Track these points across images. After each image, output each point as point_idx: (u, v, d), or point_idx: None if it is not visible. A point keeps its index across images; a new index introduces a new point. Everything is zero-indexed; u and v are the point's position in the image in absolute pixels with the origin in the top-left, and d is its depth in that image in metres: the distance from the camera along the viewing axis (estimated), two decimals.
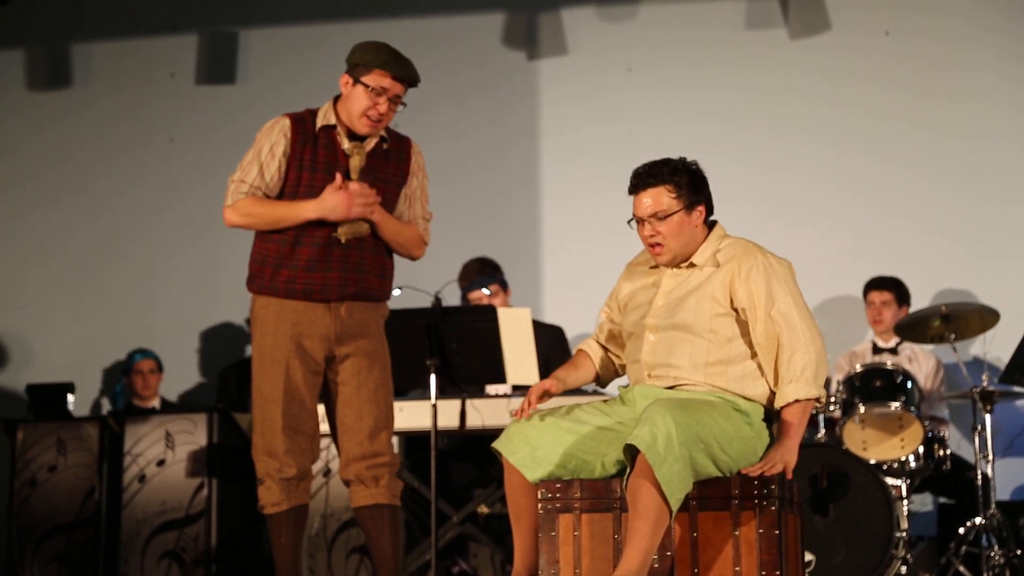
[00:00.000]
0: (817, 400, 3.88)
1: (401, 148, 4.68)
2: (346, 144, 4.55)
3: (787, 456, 3.81)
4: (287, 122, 4.54)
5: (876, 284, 6.87)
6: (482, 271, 6.71)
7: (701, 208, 4.00)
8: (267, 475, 4.58)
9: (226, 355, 7.89)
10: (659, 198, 3.96)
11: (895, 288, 6.84)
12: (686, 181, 3.97)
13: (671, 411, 3.65)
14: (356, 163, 4.54)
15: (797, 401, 3.84)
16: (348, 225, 4.52)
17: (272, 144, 4.53)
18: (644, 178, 3.99)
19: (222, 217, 4.57)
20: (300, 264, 4.52)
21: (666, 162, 4.00)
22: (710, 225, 4.05)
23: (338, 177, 4.50)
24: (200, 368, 7.98)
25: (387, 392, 4.63)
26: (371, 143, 4.59)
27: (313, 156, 4.53)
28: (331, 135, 4.56)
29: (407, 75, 4.54)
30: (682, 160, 4.02)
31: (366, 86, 4.49)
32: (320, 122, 4.55)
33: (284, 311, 4.54)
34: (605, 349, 4.21)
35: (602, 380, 4.23)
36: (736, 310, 3.93)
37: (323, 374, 4.61)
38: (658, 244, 3.98)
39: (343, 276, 4.54)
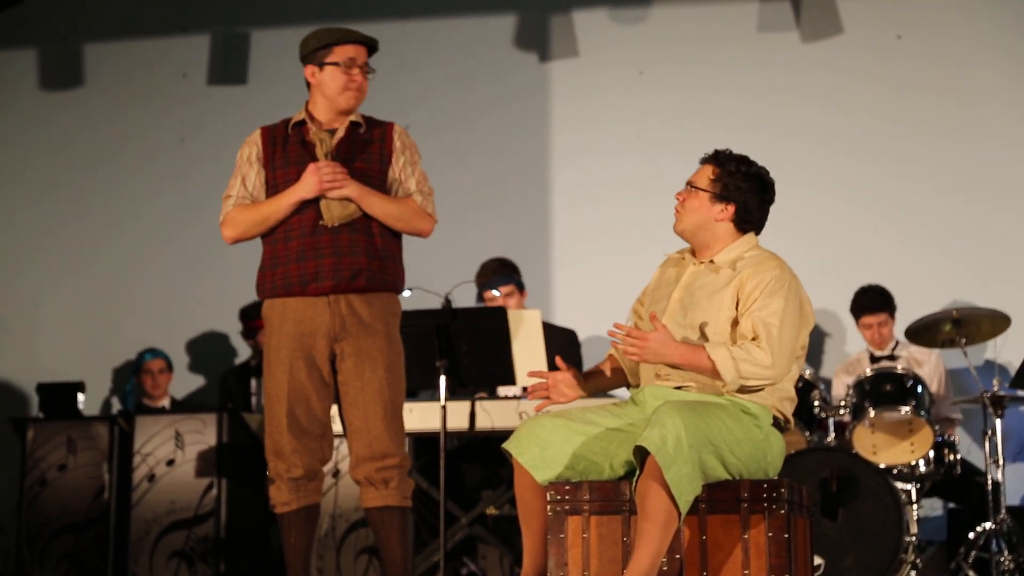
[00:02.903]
0: (719, 379, 3.81)
1: (382, 131, 4.70)
2: (316, 135, 4.61)
3: (659, 347, 3.76)
4: (257, 132, 4.68)
5: (868, 307, 6.77)
6: (499, 271, 6.69)
7: (729, 207, 3.99)
8: (276, 475, 4.60)
9: (232, 357, 7.91)
10: (703, 172, 4.04)
11: (887, 306, 6.78)
12: (732, 178, 3.98)
13: (680, 413, 3.65)
14: (321, 150, 4.58)
15: (713, 364, 3.77)
16: (332, 210, 4.53)
17: (247, 155, 4.64)
18: (711, 153, 4.06)
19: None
20: (292, 256, 4.55)
21: (737, 155, 4.04)
22: (744, 232, 4.04)
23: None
24: (210, 369, 7.99)
25: (395, 392, 4.59)
26: (340, 132, 4.63)
27: (284, 153, 4.61)
28: (300, 131, 4.63)
29: (366, 38, 4.64)
30: (752, 165, 4.02)
31: (335, 64, 4.57)
32: (292, 123, 4.65)
33: (287, 311, 4.56)
34: None
35: (634, 382, 4.18)
36: (739, 312, 3.92)
37: (332, 376, 4.62)
38: (677, 210, 4.03)
39: (336, 260, 4.54)
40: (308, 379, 4.56)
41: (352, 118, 4.65)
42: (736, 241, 4.02)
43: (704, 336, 3.90)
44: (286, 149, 4.61)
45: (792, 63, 7.59)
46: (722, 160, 4.02)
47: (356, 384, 4.57)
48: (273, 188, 4.60)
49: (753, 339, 3.83)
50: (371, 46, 4.65)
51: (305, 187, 4.52)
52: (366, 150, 4.65)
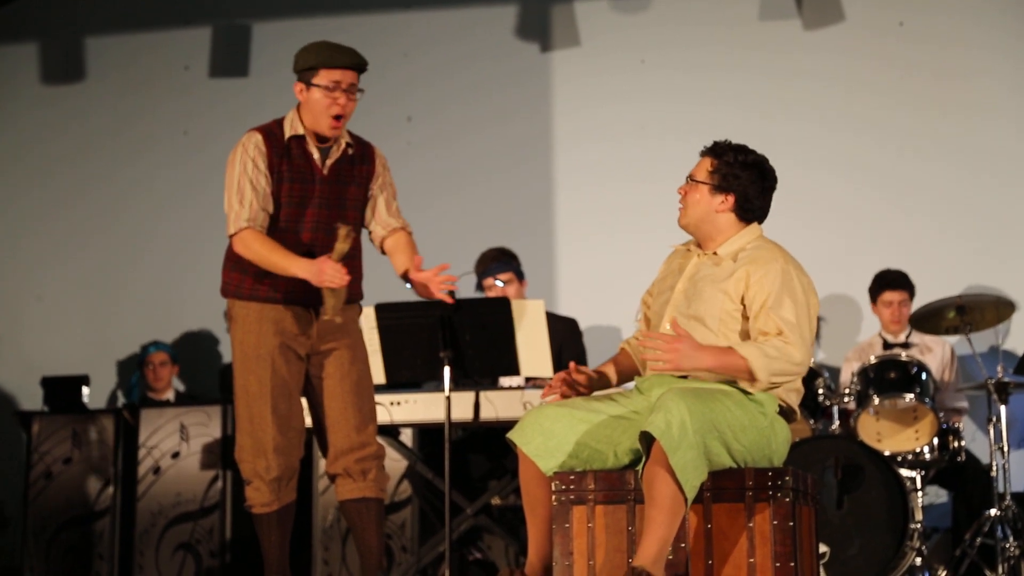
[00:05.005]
0: (751, 379, 3.82)
1: (365, 152, 4.73)
2: (316, 154, 4.61)
3: (692, 353, 3.77)
4: (259, 136, 4.60)
5: (891, 284, 6.76)
6: (498, 259, 6.71)
7: (729, 198, 4.00)
8: (255, 475, 4.62)
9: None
10: (701, 165, 4.06)
11: (909, 286, 6.78)
12: (730, 168, 4.00)
13: (685, 399, 3.65)
14: (341, 248, 4.52)
15: (747, 364, 3.78)
16: (328, 301, 4.52)
17: (253, 159, 4.56)
18: (709, 146, 4.07)
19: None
20: (283, 275, 4.55)
21: (734, 145, 4.05)
22: (747, 222, 4.04)
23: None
24: (214, 362, 8.00)
25: (369, 385, 4.72)
26: (336, 154, 4.63)
27: (290, 167, 4.59)
28: (302, 144, 4.62)
29: (352, 61, 4.58)
30: (750, 153, 4.03)
31: (319, 86, 4.55)
32: (288, 132, 4.61)
33: (265, 311, 4.61)
34: None
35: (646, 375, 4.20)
36: (744, 305, 3.93)
37: (305, 372, 4.67)
38: (680, 205, 4.05)
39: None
40: (289, 374, 4.61)
41: (345, 139, 4.67)
42: (739, 233, 4.03)
43: (707, 327, 3.91)
44: (290, 163, 4.59)
45: (794, 51, 7.57)
46: (719, 151, 4.03)
47: (336, 376, 4.65)
48: (276, 199, 4.58)
49: (778, 335, 3.84)
50: (359, 68, 4.60)
51: (311, 276, 4.45)
52: (352, 170, 4.68)
